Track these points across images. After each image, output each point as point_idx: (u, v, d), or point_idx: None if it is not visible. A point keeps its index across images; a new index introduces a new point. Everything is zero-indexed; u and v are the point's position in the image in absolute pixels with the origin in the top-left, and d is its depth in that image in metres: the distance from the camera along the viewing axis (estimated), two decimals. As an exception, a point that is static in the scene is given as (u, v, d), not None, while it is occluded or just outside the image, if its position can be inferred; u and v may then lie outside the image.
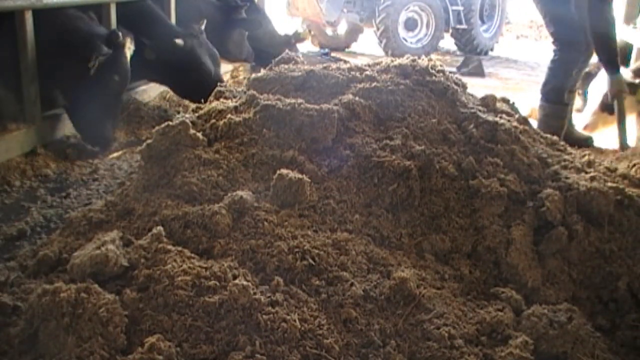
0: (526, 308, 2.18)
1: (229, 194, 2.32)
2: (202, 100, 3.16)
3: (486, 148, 2.75)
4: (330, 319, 1.96)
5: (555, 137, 3.29)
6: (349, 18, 11.05)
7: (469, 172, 2.63)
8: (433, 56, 5.02)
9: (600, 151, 4.66)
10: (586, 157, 3.09)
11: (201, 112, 2.87)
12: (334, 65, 3.19)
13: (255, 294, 1.91)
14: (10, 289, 2.14)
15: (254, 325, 1.85)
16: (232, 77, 6.80)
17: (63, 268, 2.15)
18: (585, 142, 4.84)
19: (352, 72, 3.02)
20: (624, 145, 4.34)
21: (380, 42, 10.46)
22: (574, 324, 2.04)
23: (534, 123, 4.10)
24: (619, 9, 5.34)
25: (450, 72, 3.24)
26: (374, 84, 2.86)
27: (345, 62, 3.06)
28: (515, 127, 2.92)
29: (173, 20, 5.62)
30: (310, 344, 1.84)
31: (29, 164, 3.95)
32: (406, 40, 10.57)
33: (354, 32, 11.51)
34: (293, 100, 2.72)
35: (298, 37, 7.28)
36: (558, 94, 4.78)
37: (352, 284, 2.06)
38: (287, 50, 3.51)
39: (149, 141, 2.62)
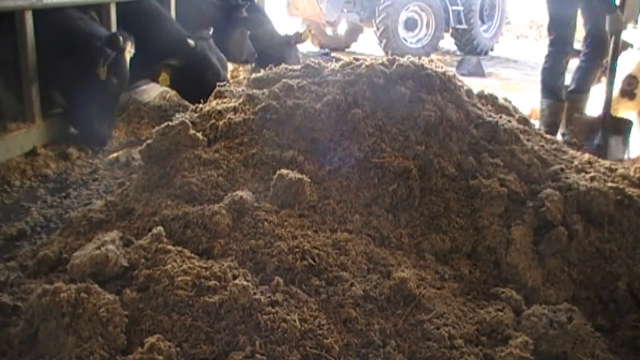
0: (526, 308, 2.18)
1: (229, 194, 2.32)
2: (202, 101, 3.16)
3: (486, 148, 2.75)
4: (330, 319, 1.96)
5: (555, 137, 3.30)
6: (349, 18, 11.06)
7: (469, 172, 2.63)
8: (433, 56, 5.05)
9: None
10: (586, 157, 3.09)
11: (201, 112, 2.88)
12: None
13: (255, 294, 1.91)
14: (10, 289, 2.14)
15: (254, 325, 1.85)
16: (232, 77, 6.80)
17: (63, 268, 2.15)
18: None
19: (353, 71, 3.01)
20: (609, 90, 4.53)
21: (380, 42, 10.46)
22: (574, 324, 2.04)
23: (534, 123, 4.10)
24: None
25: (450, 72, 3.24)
26: (375, 83, 2.86)
27: (357, 59, 3.04)
28: (515, 127, 2.92)
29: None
30: (310, 344, 1.84)
31: (29, 164, 3.95)
32: (406, 40, 10.58)
33: (354, 32, 11.52)
34: (293, 100, 2.72)
35: (298, 38, 7.28)
36: (551, 90, 4.97)
37: (352, 284, 2.06)
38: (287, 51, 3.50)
39: (149, 141, 2.62)
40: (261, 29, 6.67)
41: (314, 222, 2.31)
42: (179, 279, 1.93)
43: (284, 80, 2.89)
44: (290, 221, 2.26)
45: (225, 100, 2.97)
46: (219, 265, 2.01)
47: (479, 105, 3.09)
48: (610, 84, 4.59)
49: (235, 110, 2.80)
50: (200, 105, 2.98)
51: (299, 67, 3.09)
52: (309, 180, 2.40)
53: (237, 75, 6.88)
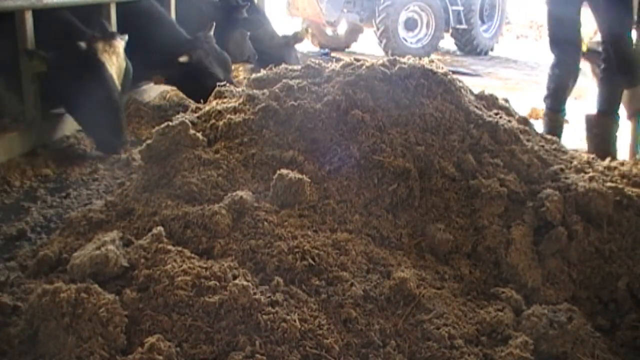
0: (526, 308, 2.18)
1: (229, 194, 2.32)
2: (202, 101, 3.16)
3: (486, 148, 2.75)
4: (330, 319, 1.96)
5: (555, 137, 3.29)
6: (349, 18, 11.06)
7: (469, 172, 2.63)
8: (433, 56, 5.02)
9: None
10: (585, 157, 3.09)
11: (201, 112, 2.88)
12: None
13: (255, 294, 1.91)
14: (10, 289, 2.15)
15: (254, 325, 1.85)
16: (233, 77, 6.80)
17: (63, 268, 2.15)
18: None
19: (353, 71, 3.01)
20: None
21: (380, 42, 10.46)
22: (574, 324, 2.05)
23: (534, 123, 4.07)
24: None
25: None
26: (375, 84, 2.86)
27: (358, 60, 3.04)
28: (515, 127, 2.92)
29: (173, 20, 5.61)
30: (310, 344, 1.84)
31: (29, 164, 3.95)
32: (406, 40, 10.58)
33: (354, 32, 11.52)
34: (293, 101, 2.72)
35: (297, 38, 7.28)
36: (554, 102, 4.49)
37: (352, 284, 2.06)
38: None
39: (149, 141, 2.63)
40: (261, 30, 6.68)
41: (314, 222, 2.31)
42: (179, 279, 1.94)
43: (284, 80, 2.89)
44: (290, 221, 2.27)
45: (225, 100, 2.97)
46: (219, 265, 2.01)
47: (479, 105, 3.09)
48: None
49: (235, 110, 2.80)
50: (200, 105, 2.98)
51: (299, 67, 3.09)
52: (309, 180, 2.40)
53: (237, 75, 6.88)
